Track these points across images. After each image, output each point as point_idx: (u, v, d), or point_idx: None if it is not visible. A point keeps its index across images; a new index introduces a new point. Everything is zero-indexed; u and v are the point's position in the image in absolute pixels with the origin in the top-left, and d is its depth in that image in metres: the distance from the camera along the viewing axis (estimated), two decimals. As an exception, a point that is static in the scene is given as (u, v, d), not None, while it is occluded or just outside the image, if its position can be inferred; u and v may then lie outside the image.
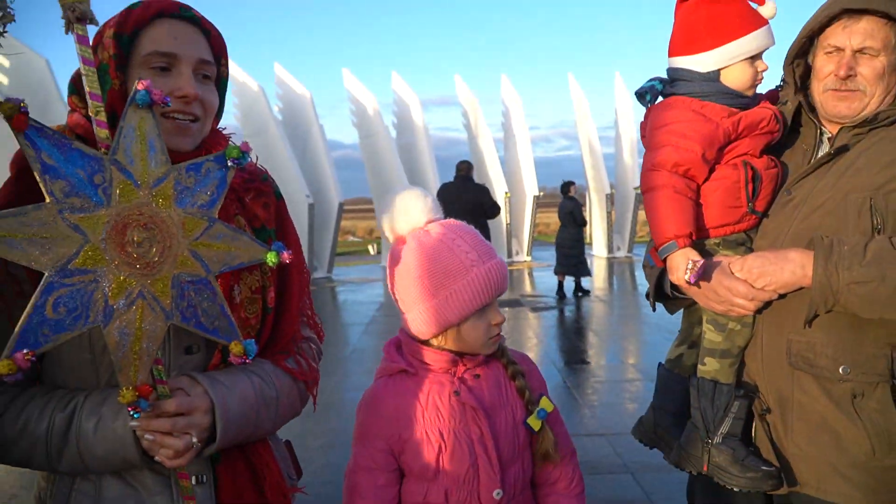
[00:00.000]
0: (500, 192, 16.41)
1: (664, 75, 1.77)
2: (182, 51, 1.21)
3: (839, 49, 1.57)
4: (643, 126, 1.77)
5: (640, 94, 1.76)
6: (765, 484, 1.57)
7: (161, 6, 1.21)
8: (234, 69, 13.63)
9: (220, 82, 1.32)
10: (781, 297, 1.56)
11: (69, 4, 1.06)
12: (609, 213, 17.61)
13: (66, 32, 1.09)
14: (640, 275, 15.16)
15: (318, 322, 1.54)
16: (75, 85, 1.23)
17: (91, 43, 1.13)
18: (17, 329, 1.00)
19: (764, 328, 1.63)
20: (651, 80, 1.76)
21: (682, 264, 1.57)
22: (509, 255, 17.21)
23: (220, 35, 1.30)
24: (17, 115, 0.99)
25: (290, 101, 15.72)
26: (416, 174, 16.27)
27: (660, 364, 1.89)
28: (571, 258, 11.37)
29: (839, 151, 1.59)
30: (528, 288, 13.20)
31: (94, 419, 1.16)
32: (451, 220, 1.50)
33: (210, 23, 1.27)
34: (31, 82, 11.15)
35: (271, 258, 1.25)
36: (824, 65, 1.60)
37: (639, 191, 15.49)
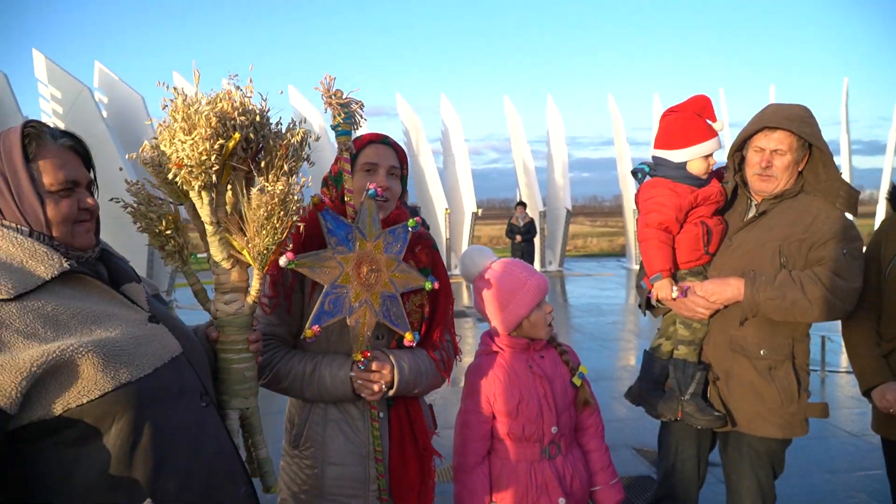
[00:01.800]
0: (440, 209, 17.33)
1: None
2: (380, 161, 2.00)
3: (762, 149, 2.41)
4: (637, 196, 2.60)
5: (634, 173, 2.60)
6: (716, 423, 2.42)
7: (370, 138, 2.03)
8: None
9: (403, 179, 2.09)
10: (726, 307, 2.41)
11: (343, 142, 1.85)
12: (542, 230, 18.72)
13: (340, 155, 1.87)
14: (570, 288, 16.21)
15: (454, 330, 2.22)
16: (326, 182, 2.02)
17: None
18: (311, 315, 1.75)
19: (715, 327, 2.48)
20: (641, 163, 2.59)
21: (667, 287, 2.43)
22: (449, 268, 17.86)
23: (403, 151, 2.09)
24: (319, 202, 1.74)
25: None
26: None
27: (645, 350, 2.71)
28: None
29: (761, 214, 2.44)
30: (467, 300, 13.68)
31: (329, 369, 1.92)
32: (505, 259, 2.29)
33: (398, 144, 2.07)
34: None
35: (428, 285, 2.00)
36: (753, 157, 2.44)
37: (569, 209, 16.31)
